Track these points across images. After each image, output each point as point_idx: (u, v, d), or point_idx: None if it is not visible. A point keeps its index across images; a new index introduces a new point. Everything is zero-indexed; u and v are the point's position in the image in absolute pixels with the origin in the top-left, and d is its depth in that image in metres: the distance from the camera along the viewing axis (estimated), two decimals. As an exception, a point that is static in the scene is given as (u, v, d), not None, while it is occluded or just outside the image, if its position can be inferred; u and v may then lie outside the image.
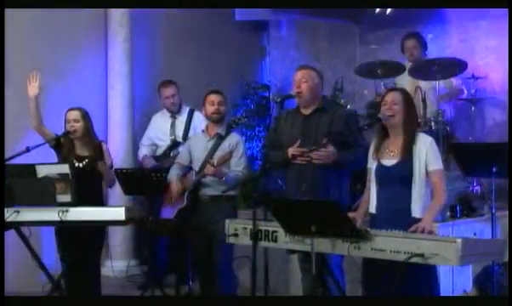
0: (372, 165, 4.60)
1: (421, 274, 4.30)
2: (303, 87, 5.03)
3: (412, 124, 4.54)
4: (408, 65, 6.94)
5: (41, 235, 5.96)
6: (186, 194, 5.56)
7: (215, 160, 5.42)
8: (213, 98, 5.64)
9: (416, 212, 4.39)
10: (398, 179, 4.44)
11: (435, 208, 4.41)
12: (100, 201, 5.57)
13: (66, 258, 5.42)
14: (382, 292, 4.25)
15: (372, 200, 4.57)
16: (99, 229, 5.45)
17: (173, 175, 5.68)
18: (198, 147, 5.69)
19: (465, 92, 7.00)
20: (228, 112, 6.02)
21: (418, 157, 4.42)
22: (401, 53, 7.17)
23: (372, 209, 4.56)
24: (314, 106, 5.08)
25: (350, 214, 4.53)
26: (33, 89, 5.52)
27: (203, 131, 5.78)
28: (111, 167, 5.63)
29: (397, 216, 4.37)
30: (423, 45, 7.03)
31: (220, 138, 5.61)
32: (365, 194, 4.71)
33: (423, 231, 4.17)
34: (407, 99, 4.57)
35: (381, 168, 4.52)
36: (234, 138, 5.62)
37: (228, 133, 5.64)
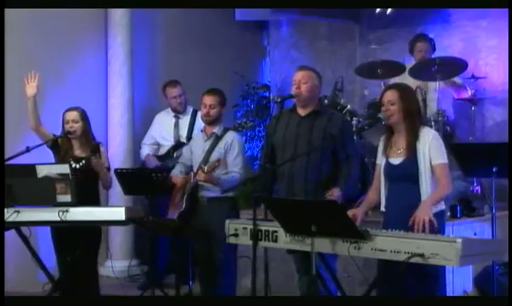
0: (381, 161, 4.61)
1: (428, 275, 4.30)
2: (302, 87, 5.02)
3: (414, 120, 4.50)
4: (409, 65, 6.94)
5: (40, 235, 5.95)
6: (185, 197, 5.53)
7: (206, 166, 5.33)
8: (206, 101, 5.53)
9: None
10: (405, 177, 4.45)
11: (434, 197, 4.37)
12: (97, 203, 5.56)
13: (63, 260, 5.41)
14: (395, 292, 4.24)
15: (382, 198, 4.58)
16: (95, 229, 5.44)
17: (177, 173, 5.66)
18: (197, 147, 5.66)
19: (469, 92, 6.99)
20: (228, 112, 5.99)
21: (422, 154, 4.42)
22: (402, 53, 7.20)
23: (383, 207, 4.57)
24: (311, 108, 5.06)
25: (351, 211, 4.54)
26: (31, 89, 5.51)
27: (202, 130, 5.76)
28: (108, 169, 5.62)
29: (408, 213, 4.34)
30: (433, 46, 7.02)
31: (217, 139, 5.56)
32: (370, 191, 4.70)
33: (422, 223, 4.18)
34: (404, 95, 4.52)
35: (389, 166, 4.53)
36: (230, 138, 5.53)
37: (224, 132, 5.61)
